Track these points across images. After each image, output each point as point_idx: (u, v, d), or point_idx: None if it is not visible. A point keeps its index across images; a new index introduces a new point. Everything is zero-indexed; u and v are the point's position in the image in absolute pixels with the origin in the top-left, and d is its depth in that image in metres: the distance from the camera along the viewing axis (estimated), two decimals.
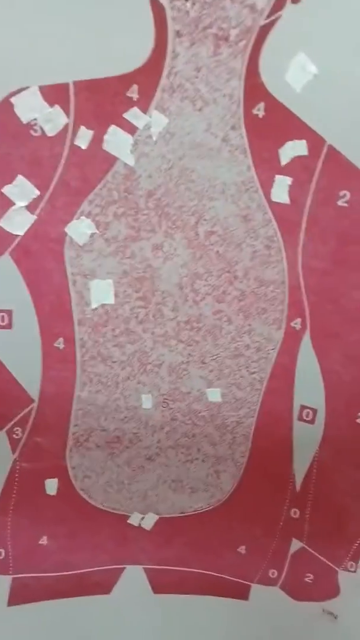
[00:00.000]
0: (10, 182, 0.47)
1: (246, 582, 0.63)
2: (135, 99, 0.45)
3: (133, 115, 0.46)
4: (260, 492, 0.59)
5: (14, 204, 0.47)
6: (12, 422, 0.54)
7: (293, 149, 0.45)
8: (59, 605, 0.63)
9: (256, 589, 0.63)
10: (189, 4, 0.42)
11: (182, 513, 0.60)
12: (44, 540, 0.60)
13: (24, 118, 0.45)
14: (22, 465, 0.56)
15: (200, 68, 0.44)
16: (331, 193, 0.46)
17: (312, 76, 0.43)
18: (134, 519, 0.60)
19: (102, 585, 0.63)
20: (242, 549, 0.61)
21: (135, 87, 0.45)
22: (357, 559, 0.58)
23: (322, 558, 0.59)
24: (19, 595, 0.61)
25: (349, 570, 0.58)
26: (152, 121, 0.46)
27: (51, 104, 0.45)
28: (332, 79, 0.43)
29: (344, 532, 0.57)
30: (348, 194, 0.46)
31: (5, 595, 0.61)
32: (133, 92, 0.45)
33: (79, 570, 0.62)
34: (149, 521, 0.60)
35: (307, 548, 0.59)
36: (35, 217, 0.48)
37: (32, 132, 0.45)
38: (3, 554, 0.59)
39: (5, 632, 0.61)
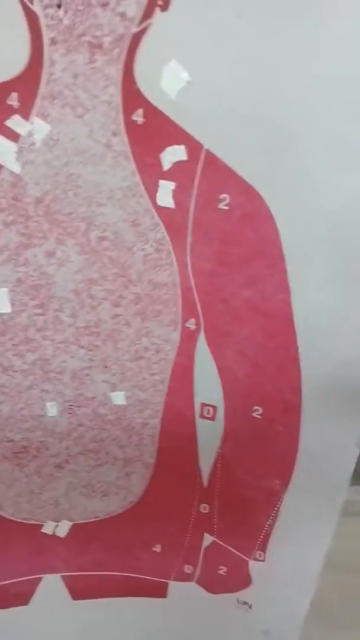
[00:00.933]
0: None
1: (163, 580, 0.60)
2: (16, 107, 0.42)
3: (15, 122, 0.43)
4: (170, 490, 0.56)
5: None
6: None
7: (173, 154, 0.44)
8: None
9: (174, 586, 0.60)
10: (61, 12, 0.40)
11: (95, 517, 0.57)
12: None
13: None
14: None
15: (78, 75, 0.42)
16: (212, 197, 0.45)
17: (185, 83, 0.41)
18: (48, 528, 0.57)
19: (20, 596, 0.59)
20: (157, 548, 0.59)
21: (15, 94, 0.42)
22: (265, 548, 0.56)
23: (233, 550, 0.58)
24: None
25: (258, 560, 0.57)
26: (34, 128, 0.43)
27: None
28: (204, 85, 0.42)
29: (251, 523, 0.56)
30: (228, 197, 0.45)
31: None
32: (13, 100, 0.42)
33: None
34: (62, 529, 0.57)
35: (218, 541, 0.58)
36: None
37: None
38: None
39: None
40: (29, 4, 0.40)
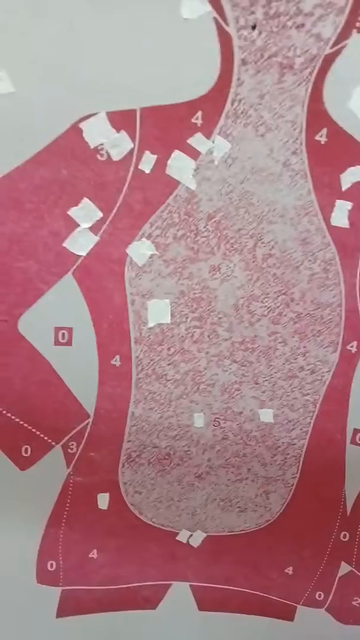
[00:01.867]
0: (76, 205, 0.45)
1: (292, 603, 0.58)
2: (199, 125, 0.43)
3: (197, 140, 0.44)
4: (309, 514, 0.55)
5: (78, 225, 0.46)
6: (68, 437, 0.52)
7: (354, 175, 0.42)
8: (106, 619, 0.60)
9: (301, 610, 0.58)
10: (255, 33, 0.40)
11: (230, 532, 0.57)
12: (94, 554, 0.57)
13: (92, 143, 0.43)
14: (75, 479, 0.53)
15: (264, 95, 0.42)
16: None
17: None
18: (182, 536, 0.57)
19: (149, 600, 0.59)
20: (289, 570, 0.57)
21: (200, 113, 0.43)
22: None
23: None
24: (68, 607, 0.58)
25: None
26: (215, 146, 0.44)
27: (118, 130, 0.43)
28: None
29: None
30: None
31: (54, 607, 0.58)
32: (198, 118, 0.43)
33: (126, 585, 0.59)
34: (197, 539, 0.57)
35: (356, 572, 0.55)
36: (97, 238, 0.46)
37: (98, 156, 0.44)
38: (54, 565, 0.56)
39: None
40: (224, 25, 0.41)
